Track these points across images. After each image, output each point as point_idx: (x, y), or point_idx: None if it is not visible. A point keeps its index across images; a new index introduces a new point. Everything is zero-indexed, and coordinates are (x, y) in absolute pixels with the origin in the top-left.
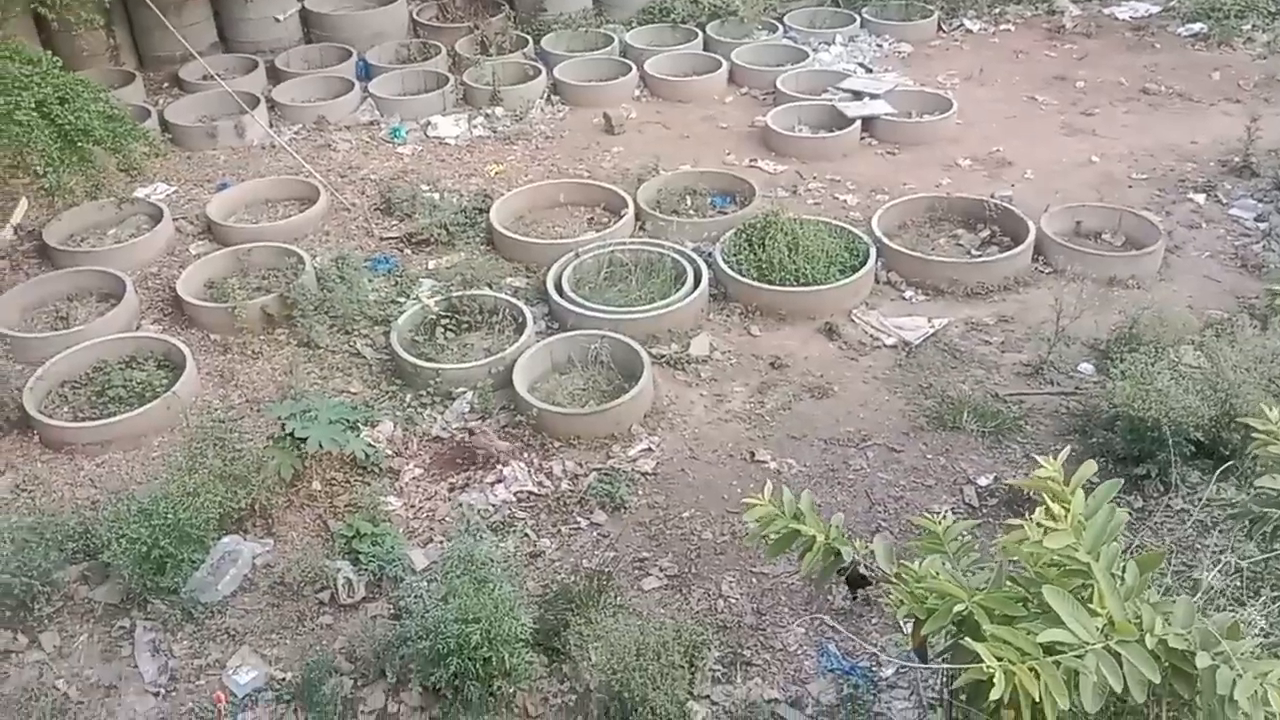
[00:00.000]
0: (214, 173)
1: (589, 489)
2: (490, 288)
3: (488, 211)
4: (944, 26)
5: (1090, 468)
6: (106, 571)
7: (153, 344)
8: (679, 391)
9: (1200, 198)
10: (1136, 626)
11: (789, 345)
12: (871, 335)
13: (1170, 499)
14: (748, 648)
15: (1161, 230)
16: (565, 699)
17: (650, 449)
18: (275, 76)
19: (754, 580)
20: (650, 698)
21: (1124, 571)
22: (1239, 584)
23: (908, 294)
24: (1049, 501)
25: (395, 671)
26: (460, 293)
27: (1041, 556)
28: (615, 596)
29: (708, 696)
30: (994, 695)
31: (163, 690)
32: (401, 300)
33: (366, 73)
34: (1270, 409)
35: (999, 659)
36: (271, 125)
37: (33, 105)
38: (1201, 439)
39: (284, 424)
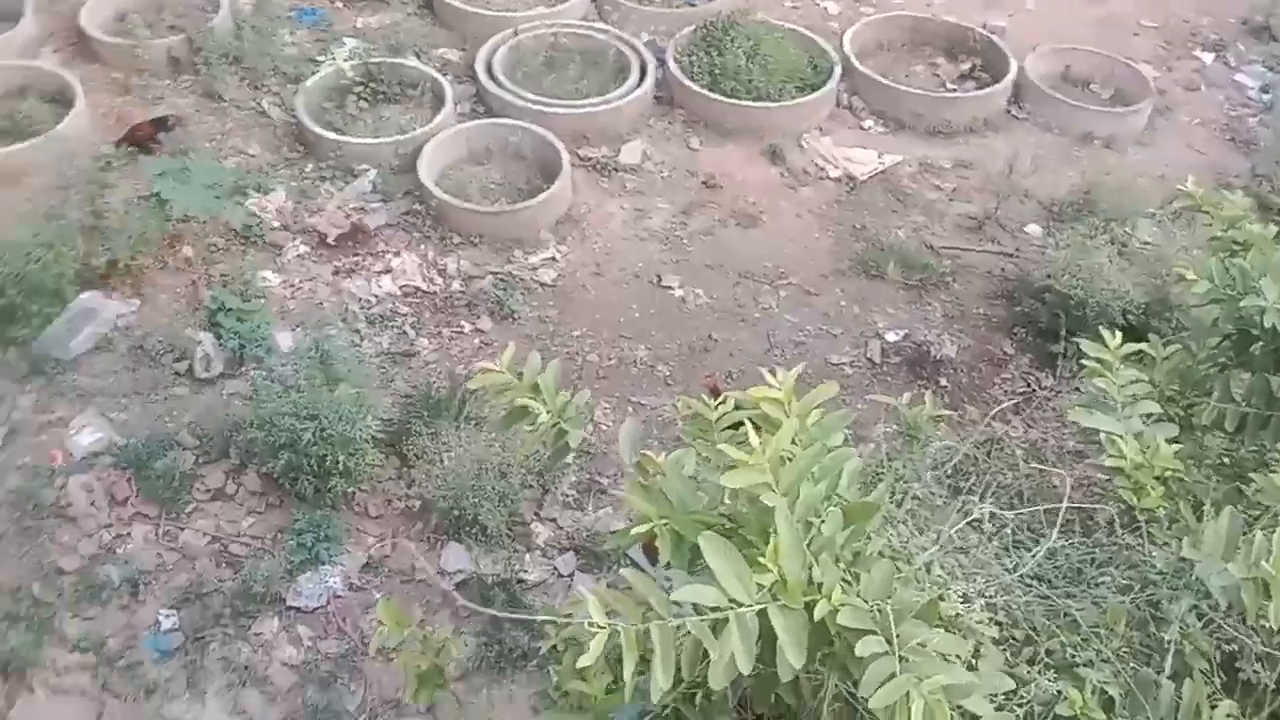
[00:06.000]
0: None
1: (480, 292)
2: (418, 57)
3: None
4: None
5: (829, 390)
6: None
7: (45, 76)
8: (599, 200)
9: (1208, 56)
10: (816, 590)
11: (728, 165)
12: (817, 165)
13: (1079, 383)
14: (607, 476)
15: (1153, 88)
16: (410, 504)
17: (555, 258)
18: None
19: (629, 409)
20: (481, 516)
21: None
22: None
23: (866, 123)
24: (750, 426)
25: (240, 454)
26: (380, 59)
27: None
28: (478, 409)
29: (555, 520)
30: (582, 661)
31: (1, 441)
32: (320, 59)
33: None
34: (1109, 332)
35: (610, 613)
36: None
37: None
38: (1132, 323)
39: (153, 183)
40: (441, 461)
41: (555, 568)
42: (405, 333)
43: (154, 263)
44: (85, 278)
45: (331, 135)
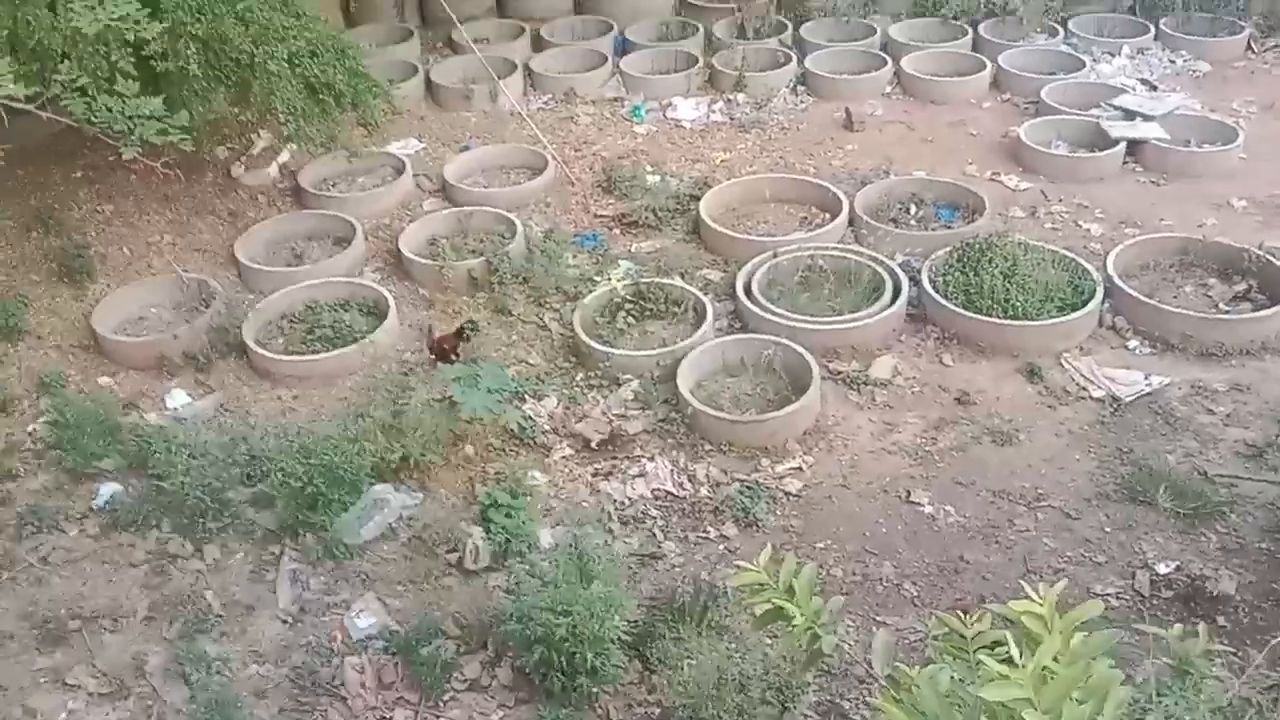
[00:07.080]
0: (463, 134)
1: (727, 499)
2: (682, 278)
3: (700, 199)
4: (1255, 46)
5: (1093, 608)
6: (272, 498)
7: (366, 291)
8: (847, 413)
9: None
10: None
11: (981, 381)
12: (1078, 384)
13: None
14: (849, 699)
15: None
16: (649, 710)
17: (801, 468)
18: (538, 45)
19: (874, 627)
20: None
21: None
22: None
23: (1131, 344)
24: (1010, 641)
25: (496, 646)
26: (649, 280)
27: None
28: (720, 615)
29: None
30: None
31: (291, 619)
32: (597, 279)
33: (623, 47)
34: None
35: None
36: (525, 92)
37: (285, 57)
38: None
39: (448, 387)
40: (683, 669)
41: None
42: (654, 535)
43: (439, 459)
44: (380, 471)
45: (601, 347)
